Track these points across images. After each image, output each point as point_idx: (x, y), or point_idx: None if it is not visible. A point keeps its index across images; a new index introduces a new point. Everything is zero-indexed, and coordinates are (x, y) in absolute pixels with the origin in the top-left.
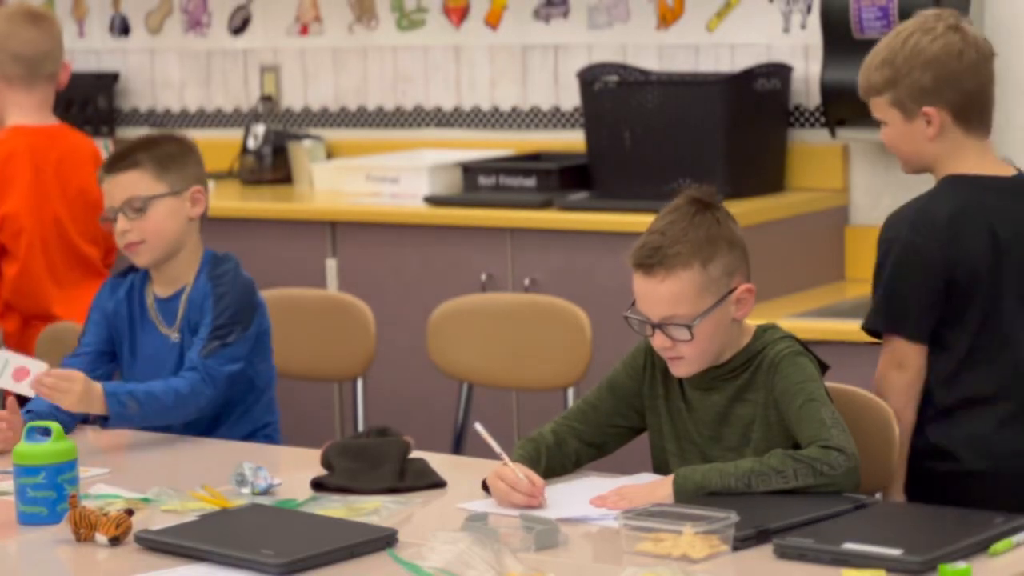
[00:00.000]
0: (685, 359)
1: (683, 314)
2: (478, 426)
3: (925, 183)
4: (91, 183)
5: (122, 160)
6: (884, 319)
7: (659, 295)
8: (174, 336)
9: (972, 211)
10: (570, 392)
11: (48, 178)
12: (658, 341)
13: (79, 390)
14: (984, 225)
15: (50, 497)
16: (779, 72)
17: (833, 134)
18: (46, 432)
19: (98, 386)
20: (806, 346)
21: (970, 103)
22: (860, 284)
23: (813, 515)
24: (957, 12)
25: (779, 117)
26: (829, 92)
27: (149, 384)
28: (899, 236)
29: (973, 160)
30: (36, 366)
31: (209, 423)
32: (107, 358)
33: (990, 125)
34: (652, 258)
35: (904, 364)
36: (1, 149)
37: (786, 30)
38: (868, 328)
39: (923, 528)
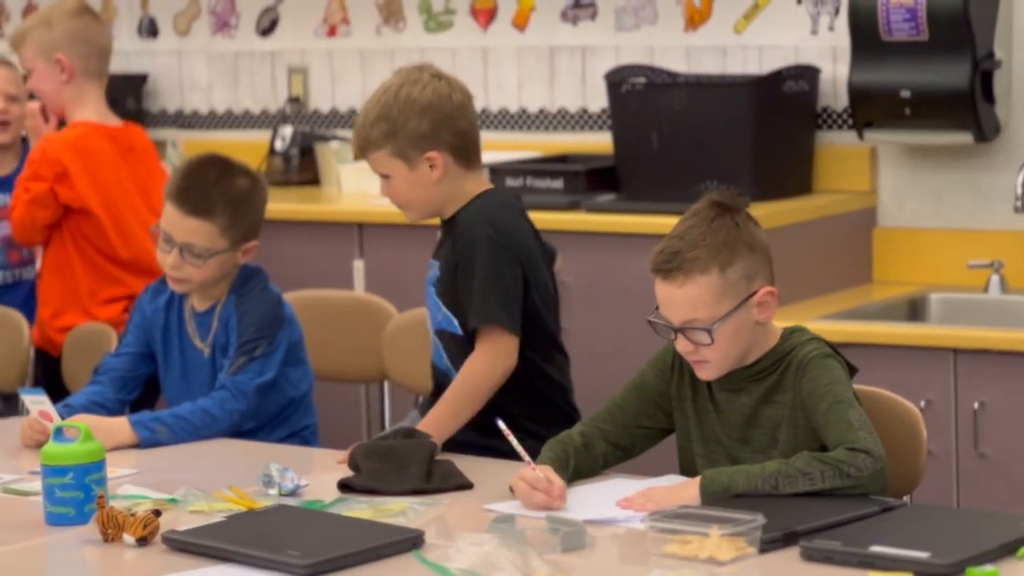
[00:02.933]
0: (709, 362)
1: (703, 318)
2: (501, 424)
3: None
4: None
5: (198, 204)
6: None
7: (678, 300)
8: (206, 351)
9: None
10: None
11: (126, 178)
12: (681, 345)
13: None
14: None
15: (78, 497)
16: (807, 74)
17: (861, 136)
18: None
19: (119, 420)
20: (834, 348)
21: (465, 141)
22: (888, 286)
23: (840, 517)
24: (433, 64)
25: (807, 119)
26: (857, 94)
27: (178, 407)
28: (490, 231)
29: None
30: (57, 416)
31: (247, 432)
32: (148, 359)
33: (480, 158)
34: (671, 263)
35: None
36: (88, 142)
37: (814, 32)
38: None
39: (951, 531)
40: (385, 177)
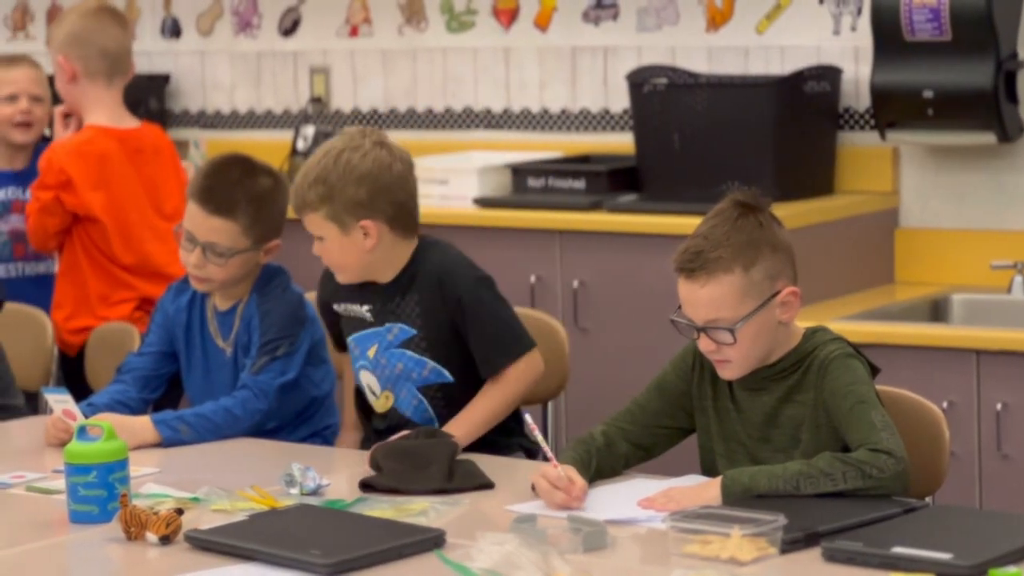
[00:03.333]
0: (731, 362)
1: (725, 318)
2: (528, 418)
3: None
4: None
5: (221, 203)
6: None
7: (701, 299)
8: (228, 350)
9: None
10: (549, 406)
11: (133, 182)
12: (703, 344)
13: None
14: None
15: (101, 496)
16: (829, 74)
17: (883, 136)
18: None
19: (142, 419)
20: (857, 348)
21: (402, 212)
22: (910, 287)
23: (862, 518)
24: (379, 130)
25: (828, 119)
26: (879, 94)
27: (200, 406)
28: (473, 269)
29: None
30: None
31: (268, 431)
32: (170, 359)
33: (417, 225)
34: (694, 262)
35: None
36: (93, 147)
37: (836, 32)
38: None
39: (973, 532)
40: (319, 239)
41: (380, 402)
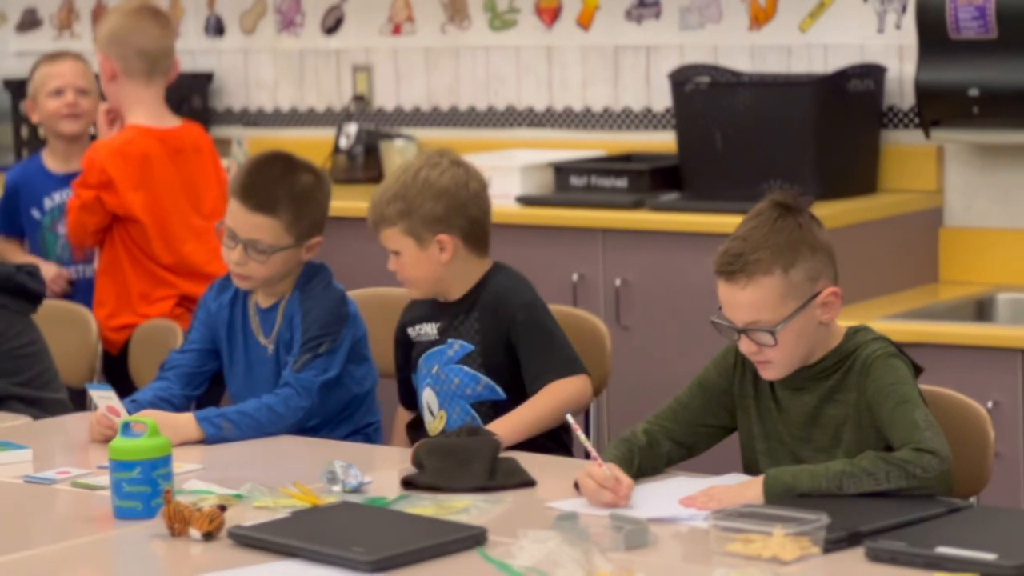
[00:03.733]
0: (772, 363)
1: (766, 320)
2: (569, 418)
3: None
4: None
5: (262, 200)
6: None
7: (741, 302)
8: (270, 348)
9: None
10: (591, 404)
11: (173, 181)
12: (744, 346)
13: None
14: None
15: (145, 492)
16: (873, 73)
17: (927, 135)
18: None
19: (185, 416)
20: (899, 348)
21: (476, 228)
22: (954, 286)
23: (905, 518)
24: (455, 152)
25: (872, 118)
26: (924, 93)
27: (243, 403)
28: (536, 296)
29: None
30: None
31: (310, 428)
32: (213, 355)
33: (489, 244)
34: (733, 265)
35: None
36: (134, 147)
37: (880, 30)
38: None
39: (1018, 532)
40: (395, 253)
41: (434, 423)
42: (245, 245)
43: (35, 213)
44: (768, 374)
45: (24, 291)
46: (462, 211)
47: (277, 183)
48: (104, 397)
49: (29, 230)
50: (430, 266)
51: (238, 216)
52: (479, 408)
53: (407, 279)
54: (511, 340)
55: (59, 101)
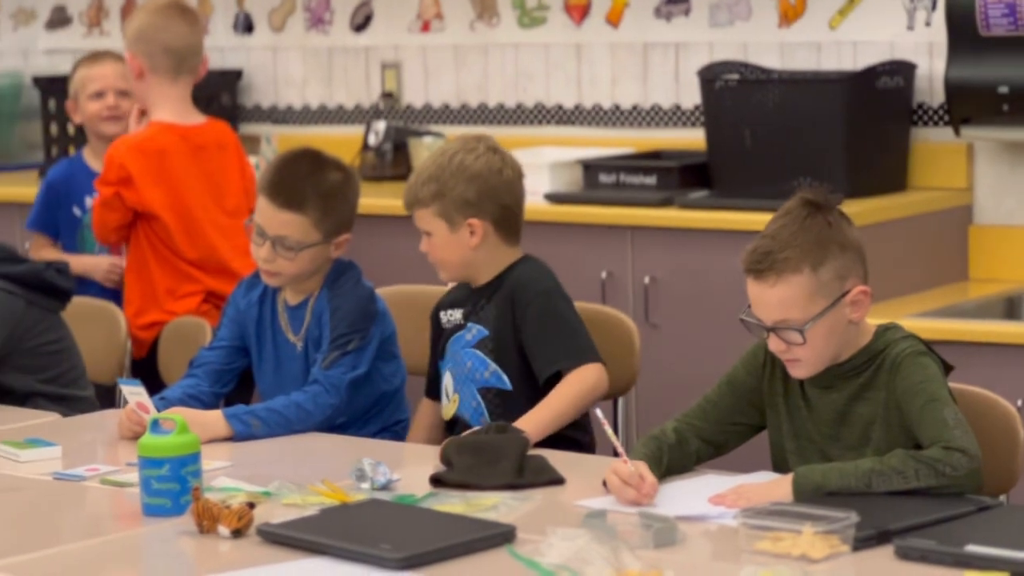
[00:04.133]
0: (801, 361)
1: (795, 318)
2: (599, 414)
3: None
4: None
5: (290, 197)
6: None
7: (770, 300)
8: (299, 345)
9: None
10: (620, 402)
11: (195, 178)
12: (773, 344)
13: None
14: None
15: (174, 489)
16: (902, 70)
17: (957, 132)
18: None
19: (214, 413)
20: (929, 346)
21: (507, 215)
22: (984, 284)
23: (935, 516)
24: (493, 138)
25: (902, 115)
26: (953, 90)
27: (272, 401)
28: (558, 286)
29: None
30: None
31: (339, 426)
32: (242, 353)
33: (520, 234)
34: (762, 263)
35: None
36: (153, 143)
37: (910, 27)
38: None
39: None
40: (427, 234)
41: (449, 407)
42: (273, 242)
43: (76, 211)
44: (797, 372)
45: (53, 288)
46: (494, 197)
47: (305, 180)
48: (134, 393)
49: (69, 228)
50: (460, 249)
51: (266, 213)
52: (485, 394)
53: (437, 261)
54: (519, 327)
55: (100, 103)
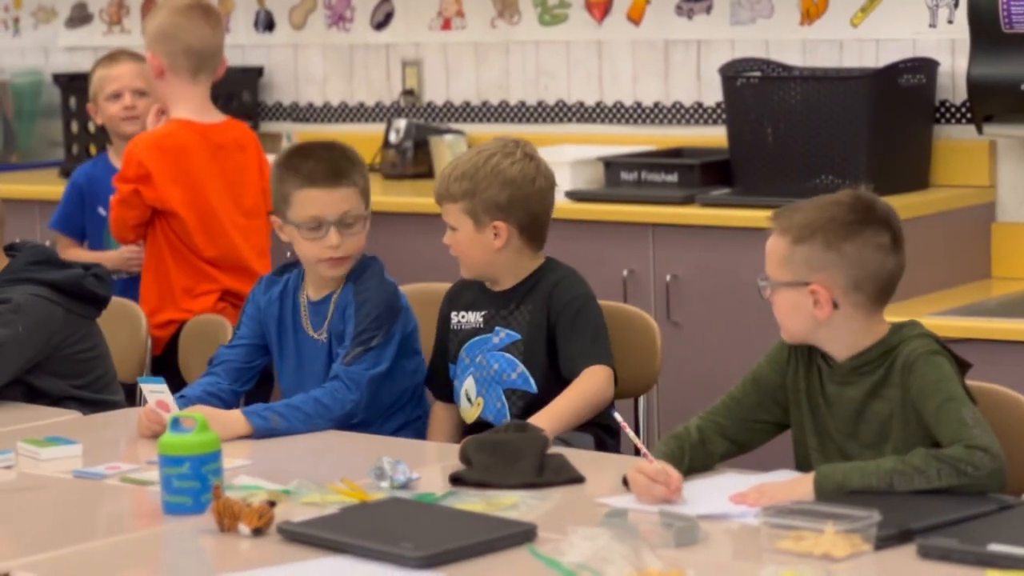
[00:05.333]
0: (780, 325)
1: (769, 274)
2: (618, 416)
3: None
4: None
5: (337, 173)
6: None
7: (767, 248)
8: (322, 339)
9: None
10: (641, 400)
11: (213, 176)
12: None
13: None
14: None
15: (194, 487)
16: (925, 67)
17: (980, 130)
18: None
19: (234, 412)
20: (943, 344)
21: (535, 224)
22: (1007, 282)
23: (957, 515)
24: (530, 143)
25: (924, 113)
26: (976, 88)
27: (292, 398)
28: (591, 293)
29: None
30: (175, 406)
31: (360, 423)
32: (262, 351)
33: (544, 240)
34: (775, 216)
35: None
36: (172, 141)
37: (932, 25)
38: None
39: None
40: (452, 229)
41: (472, 411)
42: (337, 224)
43: (101, 210)
44: (782, 334)
45: (92, 296)
46: (524, 204)
47: (333, 156)
48: (155, 391)
49: (94, 228)
50: (482, 249)
51: (321, 200)
52: (510, 396)
53: (459, 255)
54: (552, 329)
55: (118, 104)
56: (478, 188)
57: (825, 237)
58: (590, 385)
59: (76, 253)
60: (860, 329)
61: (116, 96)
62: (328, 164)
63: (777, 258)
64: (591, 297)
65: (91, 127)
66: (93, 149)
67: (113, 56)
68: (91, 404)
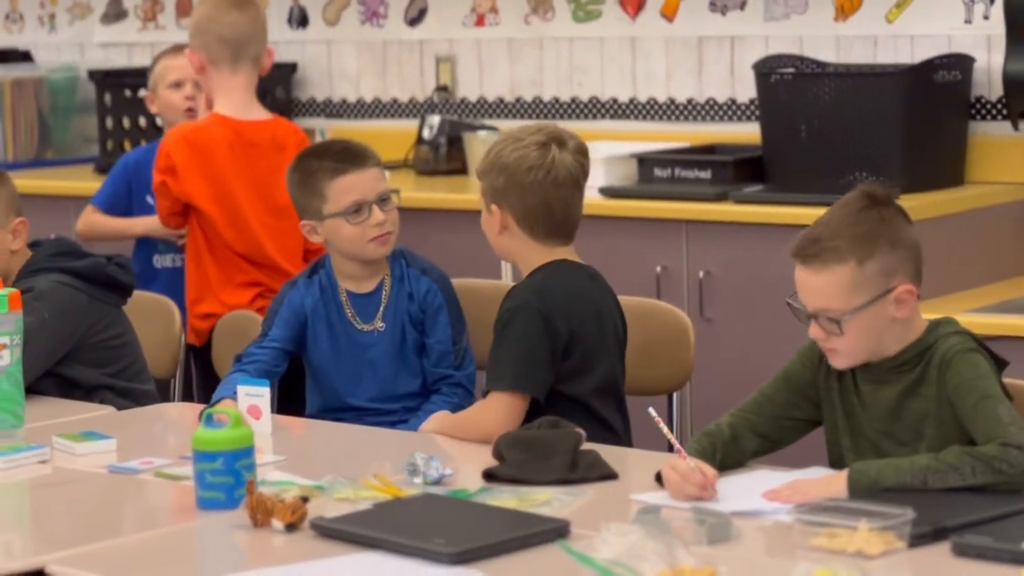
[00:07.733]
0: (839, 352)
1: (835, 308)
2: (652, 411)
3: None
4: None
5: (364, 156)
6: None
7: (813, 287)
8: (380, 327)
9: (580, 291)
10: (675, 397)
11: (242, 173)
12: (813, 331)
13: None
14: (590, 302)
15: (228, 483)
16: (960, 63)
17: (1016, 126)
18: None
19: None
20: (980, 342)
21: (532, 215)
22: None
23: (992, 513)
24: (561, 131)
25: (959, 109)
26: (1012, 84)
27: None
28: (528, 306)
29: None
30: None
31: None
32: (287, 357)
33: (565, 235)
34: (809, 249)
35: (518, 417)
36: (201, 135)
37: (968, 21)
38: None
39: None
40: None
41: None
42: (380, 203)
43: (149, 199)
44: (835, 362)
45: (115, 283)
46: (518, 192)
47: (347, 145)
48: (251, 394)
49: (143, 215)
50: (489, 231)
51: (356, 183)
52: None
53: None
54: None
55: (178, 94)
56: (484, 171)
57: (883, 237)
58: (483, 418)
59: (99, 220)
60: (916, 319)
61: (177, 85)
62: (348, 150)
63: (845, 288)
64: (526, 309)
65: (126, 123)
66: (128, 145)
67: (177, 48)
68: (125, 393)
